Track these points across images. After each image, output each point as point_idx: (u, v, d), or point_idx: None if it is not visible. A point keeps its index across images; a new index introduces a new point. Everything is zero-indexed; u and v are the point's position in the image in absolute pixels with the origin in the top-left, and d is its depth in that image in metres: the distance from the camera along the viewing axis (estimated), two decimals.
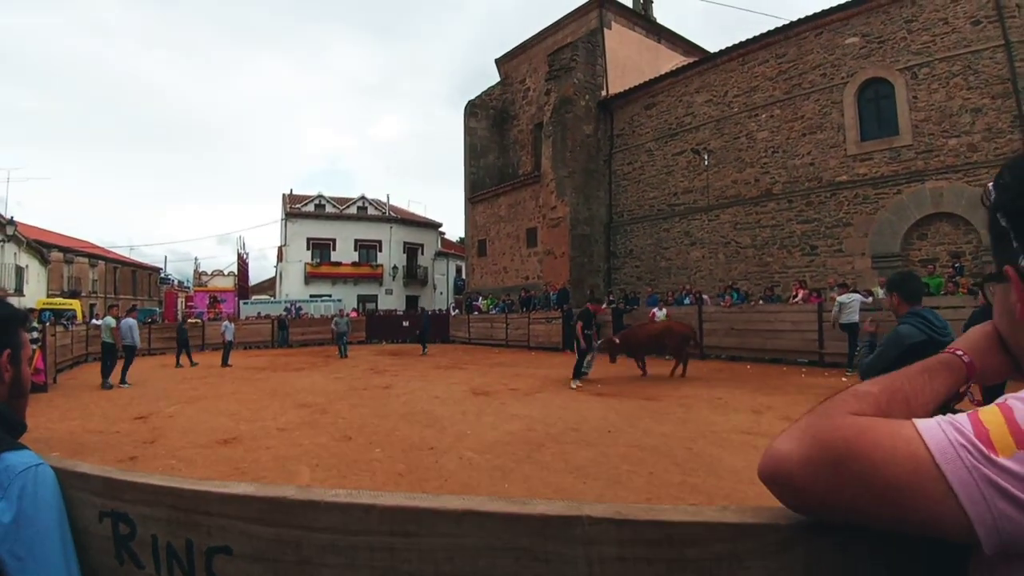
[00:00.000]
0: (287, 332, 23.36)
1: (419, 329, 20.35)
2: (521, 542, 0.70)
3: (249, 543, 0.80)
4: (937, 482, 0.52)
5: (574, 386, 9.80)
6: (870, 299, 11.53)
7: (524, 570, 0.70)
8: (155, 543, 0.87)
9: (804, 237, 15.98)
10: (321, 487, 0.83)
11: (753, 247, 17.25)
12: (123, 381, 11.37)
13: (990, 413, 0.55)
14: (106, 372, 11.40)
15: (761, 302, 14.42)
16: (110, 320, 11.91)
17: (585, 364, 10.43)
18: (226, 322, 16.80)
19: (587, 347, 10.32)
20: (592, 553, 0.68)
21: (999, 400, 0.57)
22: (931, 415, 0.65)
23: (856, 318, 10.65)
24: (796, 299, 13.33)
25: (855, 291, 11.64)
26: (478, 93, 29.40)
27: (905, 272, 3.47)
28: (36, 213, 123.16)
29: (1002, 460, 0.51)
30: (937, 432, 0.55)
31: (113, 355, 11.57)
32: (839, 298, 11.08)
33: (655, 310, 15.38)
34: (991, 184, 0.69)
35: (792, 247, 16.27)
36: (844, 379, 10.01)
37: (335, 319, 19.18)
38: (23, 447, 0.92)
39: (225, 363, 15.09)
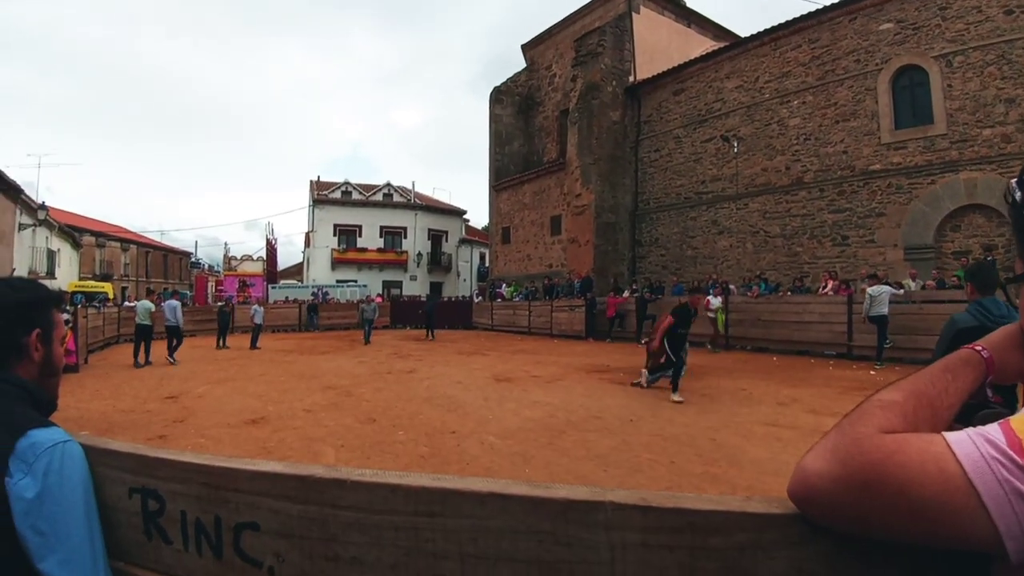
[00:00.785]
0: (316, 316, 23.65)
1: (424, 315, 20.37)
2: (544, 526, 0.70)
3: (276, 519, 0.82)
4: (968, 497, 0.51)
5: (647, 383, 8.25)
6: (901, 291, 11.24)
7: (546, 553, 0.70)
8: (184, 519, 0.89)
9: (835, 227, 15.60)
10: (347, 467, 0.84)
11: (782, 237, 16.90)
12: (171, 358, 11.99)
13: (1022, 421, 0.54)
14: (137, 352, 11.93)
15: (789, 293, 14.14)
16: (147, 304, 12.41)
17: (672, 374, 7.77)
18: (255, 306, 17.18)
19: (672, 355, 7.60)
20: (615, 539, 0.68)
21: None
22: (956, 415, 0.65)
23: (885, 311, 10.46)
24: (826, 290, 13.05)
25: (886, 283, 11.35)
26: (503, 80, 29.22)
27: (982, 262, 3.56)
28: (66, 199, 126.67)
29: None
30: (968, 446, 0.54)
31: (147, 336, 12.02)
32: (869, 290, 10.83)
33: (710, 298, 13.95)
34: (1015, 181, 0.67)
35: (823, 237, 15.90)
36: (872, 372, 9.80)
37: (363, 305, 19.28)
38: (52, 424, 0.94)
39: (254, 346, 15.46)
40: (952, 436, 0.55)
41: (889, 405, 0.63)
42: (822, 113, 15.97)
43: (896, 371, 9.92)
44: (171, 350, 12.19)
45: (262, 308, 17.15)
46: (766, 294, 14.43)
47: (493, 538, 0.72)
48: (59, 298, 1.10)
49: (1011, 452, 0.52)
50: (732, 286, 15.73)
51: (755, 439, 5.50)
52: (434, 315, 19.71)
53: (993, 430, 0.54)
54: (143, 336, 12.00)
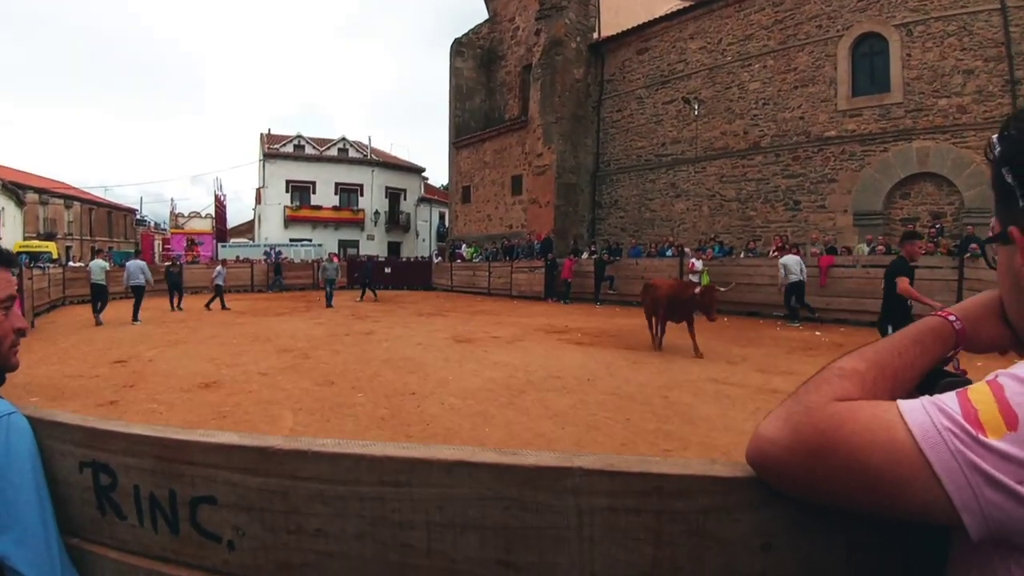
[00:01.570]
0: (282, 277, 23.16)
1: (360, 274, 19.83)
2: (511, 492, 0.70)
3: (234, 492, 0.80)
4: (920, 469, 0.50)
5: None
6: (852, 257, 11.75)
7: (513, 520, 0.70)
8: (137, 493, 0.86)
9: (788, 192, 16.01)
10: (308, 435, 0.82)
11: (737, 201, 17.26)
12: (135, 319, 11.86)
13: (979, 392, 0.53)
14: (96, 310, 11.92)
15: (743, 256, 14.54)
16: (101, 262, 12.42)
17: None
18: (219, 267, 16.66)
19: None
20: (583, 504, 0.68)
21: (989, 377, 0.54)
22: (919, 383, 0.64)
23: (797, 278, 11.18)
24: (774, 254, 13.47)
25: (795, 251, 12.02)
26: (465, 31, 28.29)
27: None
28: (3, 154, 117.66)
29: (991, 442, 0.49)
30: (921, 415, 0.52)
31: (104, 296, 12.07)
32: (781, 260, 11.49)
33: (693, 260, 13.78)
34: (995, 137, 0.63)
35: (776, 202, 16.31)
36: (818, 333, 10.26)
37: (324, 264, 18.28)
38: None
39: (223, 306, 15.18)
40: (905, 404, 0.54)
41: (849, 374, 0.62)
42: (782, 78, 16.15)
43: (820, 331, 10.42)
44: (135, 310, 12.11)
45: (225, 269, 16.59)
46: (720, 257, 14.79)
47: (460, 506, 0.72)
48: (7, 259, 0.99)
49: (965, 423, 0.50)
50: (687, 249, 16.04)
51: (706, 397, 5.72)
52: (371, 275, 19.20)
53: (949, 399, 0.53)
54: (98, 294, 12.00)
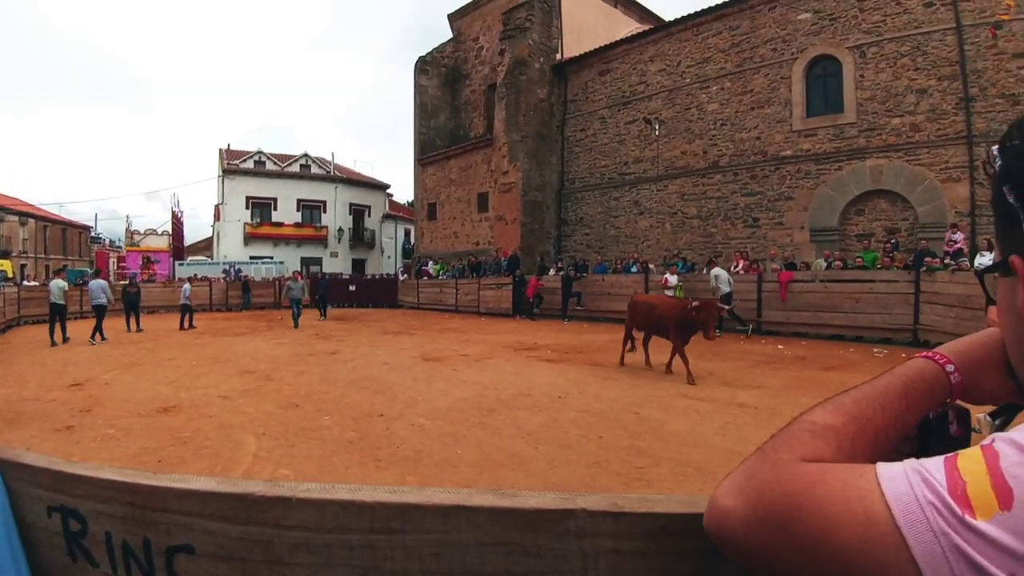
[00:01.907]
0: (251, 295, 22.91)
1: (317, 294, 19.50)
2: (512, 537, 0.67)
3: (213, 541, 0.74)
4: (896, 549, 0.43)
5: None
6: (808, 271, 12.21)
7: (515, 566, 0.67)
8: (109, 541, 0.80)
9: (747, 209, 16.48)
10: (290, 482, 0.77)
11: (699, 218, 17.68)
12: (102, 336, 11.95)
13: (970, 460, 0.45)
14: (53, 331, 11.85)
15: (705, 271, 14.84)
16: (61, 283, 12.33)
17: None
18: (186, 285, 16.21)
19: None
20: (587, 547, 0.66)
21: (985, 441, 0.46)
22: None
23: (728, 288, 12.02)
24: (737, 269, 13.81)
25: (719, 266, 13.02)
26: (429, 50, 28.41)
27: None
28: None
29: (979, 524, 0.41)
30: (902, 485, 0.45)
31: (62, 315, 11.99)
32: (712, 272, 12.42)
33: (667, 276, 13.49)
34: (995, 148, 0.54)
35: (736, 219, 16.77)
36: (780, 347, 10.51)
37: (288, 283, 17.44)
38: None
39: (191, 325, 15.04)
40: (885, 471, 0.46)
41: (822, 430, 0.54)
42: (739, 99, 16.70)
43: (783, 345, 10.70)
44: (96, 329, 12.03)
45: (190, 287, 16.13)
46: (683, 273, 15.05)
47: (458, 553, 0.68)
48: None
49: (950, 499, 0.43)
50: (652, 265, 16.31)
51: (676, 412, 5.76)
52: (327, 294, 19.02)
53: (935, 467, 0.45)
54: (57, 314, 11.91)
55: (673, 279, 13.87)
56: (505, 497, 0.69)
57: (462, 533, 0.68)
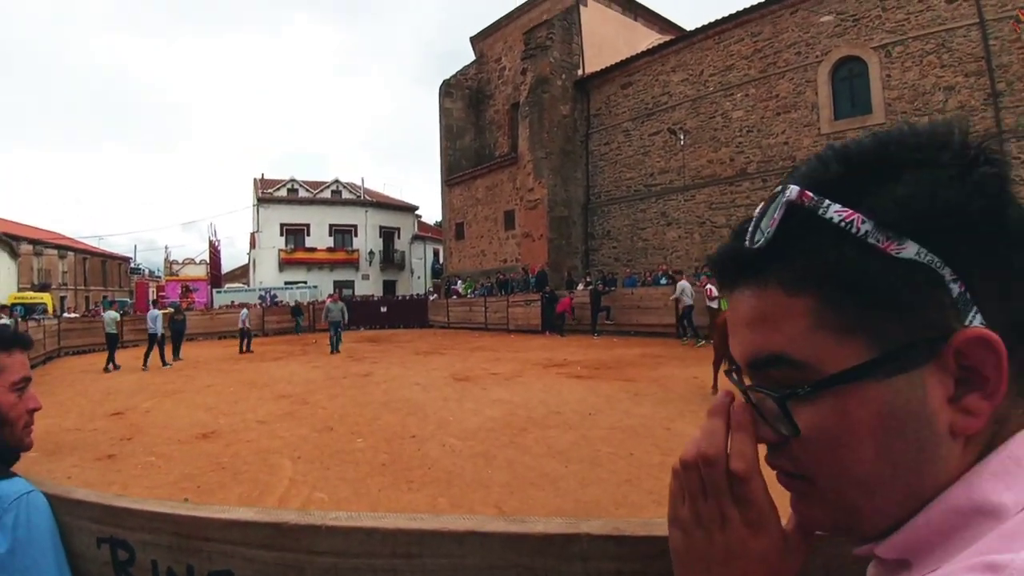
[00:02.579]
0: (302, 318, 23.26)
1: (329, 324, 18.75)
2: (522, 560, 0.72)
3: (251, 567, 0.81)
4: None
5: None
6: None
7: None
8: (155, 568, 0.87)
9: None
10: (320, 511, 0.84)
11: (728, 226, 17.39)
12: (176, 357, 13.80)
13: None
14: (112, 359, 12.70)
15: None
16: (113, 314, 13.52)
17: None
18: (244, 310, 17.01)
19: None
20: (591, 569, 0.70)
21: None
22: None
23: (690, 301, 12.56)
24: None
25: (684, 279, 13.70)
26: (453, 73, 29.00)
27: None
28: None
29: None
30: None
31: (114, 344, 12.95)
32: (679, 284, 12.95)
33: (710, 286, 12.40)
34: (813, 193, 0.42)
35: None
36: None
37: (327, 305, 16.27)
38: (13, 475, 0.91)
39: (248, 349, 15.69)
40: None
41: None
42: (764, 105, 16.56)
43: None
44: (156, 354, 12.93)
45: (248, 311, 16.84)
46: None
47: (472, 574, 0.74)
48: (11, 339, 1.01)
49: None
50: (684, 275, 16.13)
51: None
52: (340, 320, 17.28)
53: None
54: (111, 344, 12.86)
55: (716, 289, 13.58)
56: (515, 523, 0.74)
57: (476, 557, 0.73)
